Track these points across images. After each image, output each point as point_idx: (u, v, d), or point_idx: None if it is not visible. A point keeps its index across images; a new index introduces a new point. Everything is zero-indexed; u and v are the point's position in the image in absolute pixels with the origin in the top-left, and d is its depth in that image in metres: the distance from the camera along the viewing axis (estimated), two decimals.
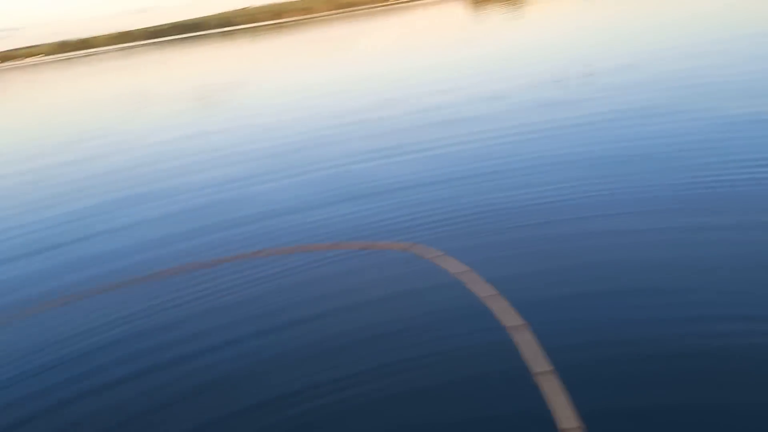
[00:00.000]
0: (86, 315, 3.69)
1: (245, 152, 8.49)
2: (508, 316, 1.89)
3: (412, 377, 2.51)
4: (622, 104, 7.94)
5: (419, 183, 5.60)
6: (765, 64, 9.00)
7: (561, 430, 1.40)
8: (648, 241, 3.82)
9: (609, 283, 3.36)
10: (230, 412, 2.46)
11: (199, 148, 9.03)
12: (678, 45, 12.89)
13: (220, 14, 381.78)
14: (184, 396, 2.66)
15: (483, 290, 2.04)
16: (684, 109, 7.48)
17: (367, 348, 2.78)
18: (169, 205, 5.74)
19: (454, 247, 2.62)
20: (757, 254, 3.25)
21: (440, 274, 2.21)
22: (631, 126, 6.89)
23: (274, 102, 13.61)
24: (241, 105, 14.81)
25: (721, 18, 16.03)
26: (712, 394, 2.27)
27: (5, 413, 2.75)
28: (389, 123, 9.38)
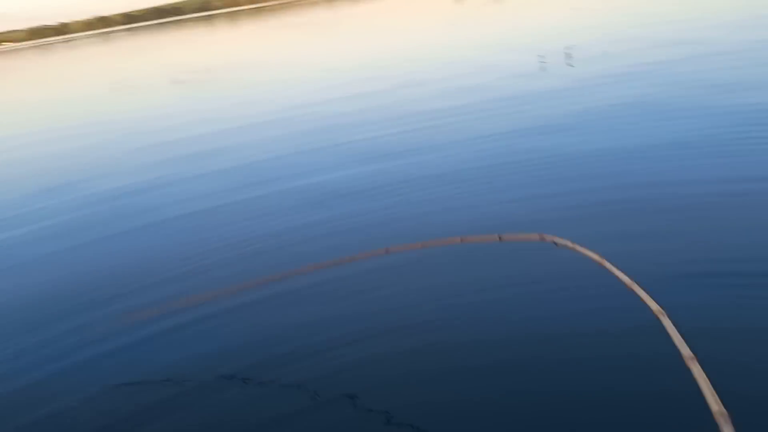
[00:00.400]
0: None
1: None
2: (650, 302, 1.95)
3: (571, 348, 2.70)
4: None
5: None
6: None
7: (712, 412, 1.46)
8: None
9: (745, 263, 3.29)
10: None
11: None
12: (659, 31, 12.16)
13: None
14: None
15: (623, 277, 2.10)
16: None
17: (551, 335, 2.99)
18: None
19: (581, 236, 2.68)
20: None
21: (584, 262, 2.28)
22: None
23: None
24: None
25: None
26: None
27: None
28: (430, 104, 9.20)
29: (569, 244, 2.43)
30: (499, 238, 2.87)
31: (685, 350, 1.68)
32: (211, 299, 3.61)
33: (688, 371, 1.59)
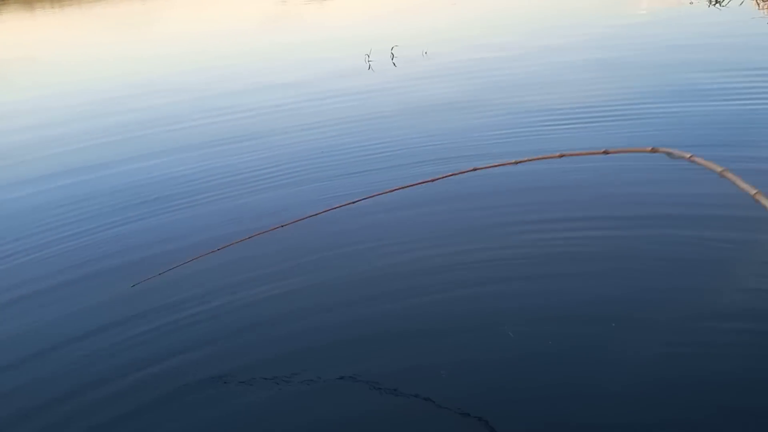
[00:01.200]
0: None
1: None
2: None
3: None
4: None
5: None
6: None
7: None
8: None
9: None
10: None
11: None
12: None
13: None
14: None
15: (749, 189, 1.85)
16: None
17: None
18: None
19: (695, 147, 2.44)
20: None
21: (705, 173, 2.06)
22: None
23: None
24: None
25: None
26: None
27: None
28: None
29: (686, 155, 2.17)
30: (605, 152, 2.62)
31: None
32: None
33: None
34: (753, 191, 1.83)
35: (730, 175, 2.01)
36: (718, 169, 2.08)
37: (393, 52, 10.20)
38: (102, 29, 24.24)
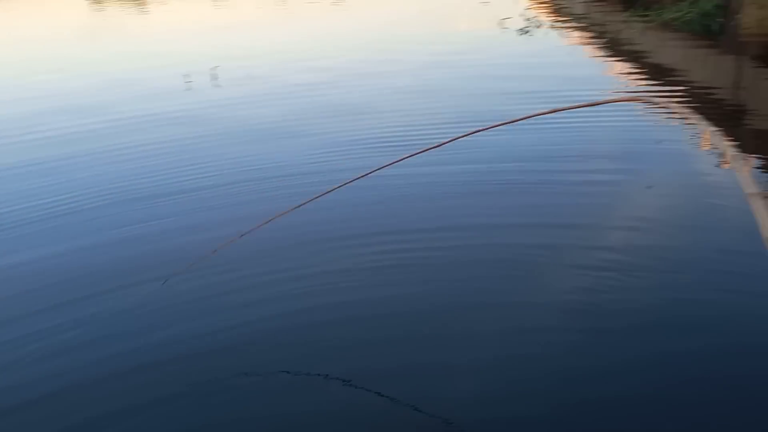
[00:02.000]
0: None
1: None
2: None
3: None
4: None
5: None
6: None
7: None
8: None
9: None
10: None
11: None
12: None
13: None
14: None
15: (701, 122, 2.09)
16: None
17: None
18: None
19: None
20: None
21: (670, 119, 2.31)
22: None
23: None
24: None
25: None
26: None
27: None
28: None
29: (654, 100, 2.41)
30: (595, 103, 2.87)
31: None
32: None
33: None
34: (704, 124, 2.06)
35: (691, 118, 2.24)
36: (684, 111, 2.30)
37: (214, 72, 9.65)
38: None
